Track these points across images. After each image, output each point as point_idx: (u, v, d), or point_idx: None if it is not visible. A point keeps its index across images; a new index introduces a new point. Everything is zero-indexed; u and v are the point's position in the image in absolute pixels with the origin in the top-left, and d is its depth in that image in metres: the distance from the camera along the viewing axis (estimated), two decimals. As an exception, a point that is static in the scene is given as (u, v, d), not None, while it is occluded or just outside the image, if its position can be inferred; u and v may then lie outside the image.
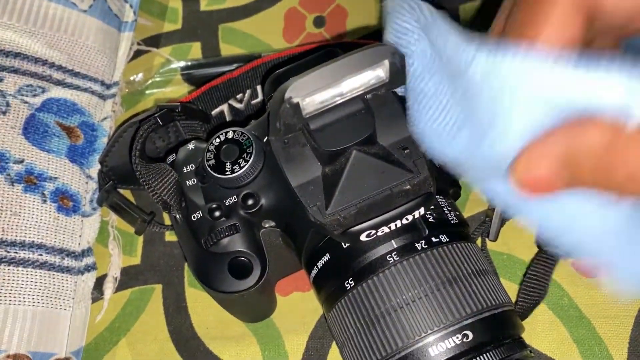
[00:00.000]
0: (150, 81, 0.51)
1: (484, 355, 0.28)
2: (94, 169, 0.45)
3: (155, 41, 0.53)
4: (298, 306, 0.42)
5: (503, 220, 0.39)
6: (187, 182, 0.34)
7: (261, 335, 0.42)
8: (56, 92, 0.45)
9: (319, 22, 0.52)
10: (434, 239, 0.31)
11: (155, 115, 0.36)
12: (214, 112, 0.46)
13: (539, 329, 0.39)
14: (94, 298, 0.44)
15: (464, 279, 0.30)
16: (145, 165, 0.33)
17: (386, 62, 0.27)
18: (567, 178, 0.20)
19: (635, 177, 0.18)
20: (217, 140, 0.33)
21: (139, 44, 0.52)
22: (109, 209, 0.44)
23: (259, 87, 0.47)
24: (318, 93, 0.27)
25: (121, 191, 0.45)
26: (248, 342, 0.41)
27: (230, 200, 0.33)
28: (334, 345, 0.41)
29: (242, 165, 0.32)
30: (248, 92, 0.47)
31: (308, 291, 0.43)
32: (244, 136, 0.33)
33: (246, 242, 0.33)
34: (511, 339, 0.30)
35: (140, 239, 0.46)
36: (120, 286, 0.45)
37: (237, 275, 0.32)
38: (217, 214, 0.32)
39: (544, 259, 0.38)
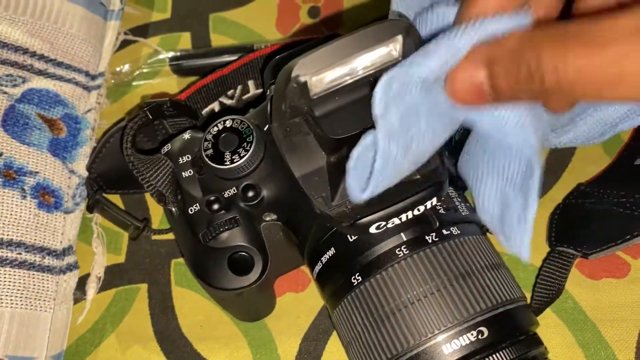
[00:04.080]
0: (137, 72, 0.49)
1: (501, 352, 0.27)
2: (77, 163, 0.43)
3: (143, 31, 0.51)
4: (291, 307, 0.40)
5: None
6: (183, 173, 0.32)
7: (252, 337, 0.40)
8: (38, 83, 0.43)
9: (313, 12, 0.50)
10: (444, 232, 0.29)
11: (145, 108, 0.35)
12: (204, 111, 0.45)
13: (543, 332, 0.37)
14: (76, 299, 0.42)
15: (477, 273, 0.29)
16: (138, 156, 0.31)
17: (399, 38, 0.26)
18: (488, 89, 0.23)
19: (532, 76, 0.21)
20: (215, 129, 0.31)
21: (125, 33, 0.50)
22: (101, 215, 0.42)
23: (250, 82, 0.45)
24: (327, 71, 0.26)
25: (110, 196, 0.44)
26: (238, 344, 0.39)
27: (230, 192, 0.31)
28: (327, 348, 0.39)
29: (242, 154, 0.30)
30: (239, 87, 0.45)
31: (301, 292, 0.41)
32: (244, 124, 0.31)
33: (247, 236, 0.31)
34: (526, 335, 0.29)
35: (125, 236, 0.44)
36: (104, 286, 0.43)
37: (237, 271, 0.30)
38: (215, 206, 0.31)
39: (560, 257, 0.37)
